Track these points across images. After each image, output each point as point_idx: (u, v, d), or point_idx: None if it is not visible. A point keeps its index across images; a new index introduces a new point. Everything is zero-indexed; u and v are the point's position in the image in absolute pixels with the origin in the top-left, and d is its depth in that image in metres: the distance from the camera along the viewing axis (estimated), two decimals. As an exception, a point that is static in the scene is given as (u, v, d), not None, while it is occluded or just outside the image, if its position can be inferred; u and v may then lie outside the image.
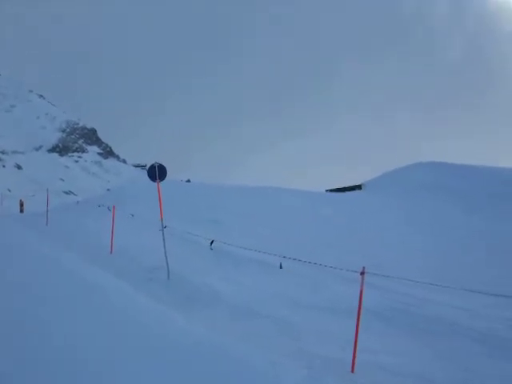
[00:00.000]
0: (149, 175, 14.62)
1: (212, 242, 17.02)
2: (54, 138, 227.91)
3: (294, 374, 6.69)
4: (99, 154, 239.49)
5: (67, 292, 9.12)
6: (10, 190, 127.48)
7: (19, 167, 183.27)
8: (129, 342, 6.73)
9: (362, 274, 8.43)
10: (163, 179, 14.65)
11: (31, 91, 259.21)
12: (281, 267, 15.45)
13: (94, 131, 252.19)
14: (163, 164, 14.62)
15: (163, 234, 14.40)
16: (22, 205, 46.50)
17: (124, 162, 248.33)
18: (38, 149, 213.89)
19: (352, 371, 8.22)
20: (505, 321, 12.05)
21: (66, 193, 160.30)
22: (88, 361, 5.99)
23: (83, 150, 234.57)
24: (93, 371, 5.75)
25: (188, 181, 63.77)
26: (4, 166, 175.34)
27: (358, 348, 8.32)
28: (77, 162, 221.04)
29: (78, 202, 41.61)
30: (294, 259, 13.67)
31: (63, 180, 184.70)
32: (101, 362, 6.01)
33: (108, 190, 66.00)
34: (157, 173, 14.48)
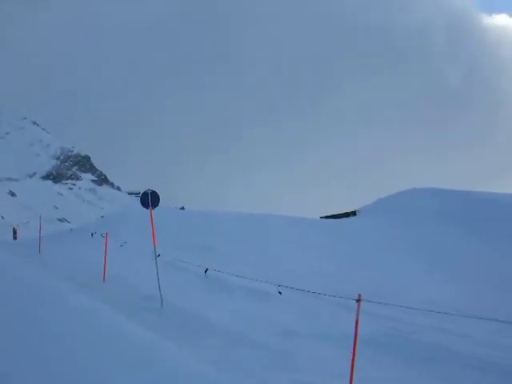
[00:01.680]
0: (141, 202, 14.52)
1: (206, 270, 16.89)
2: (48, 165, 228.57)
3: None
4: (93, 181, 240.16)
5: (54, 323, 8.95)
6: (3, 217, 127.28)
7: (13, 194, 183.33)
8: (117, 372, 6.56)
9: (358, 301, 8.30)
10: (156, 206, 14.55)
11: (25, 118, 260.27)
12: (280, 293, 15.34)
13: (87, 158, 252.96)
14: (156, 191, 14.52)
15: (156, 262, 14.27)
16: (15, 232, 46.66)
17: (118, 189, 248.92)
18: (31, 176, 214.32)
19: (348, 401, 8.07)
20: (504, 348, 11.92)
21: (60, 220, 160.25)
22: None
23: (77, 178, 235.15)
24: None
25: (182, 208, 63.75)
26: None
27: (354, 377, 8.17)
28: (71, 189, 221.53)
29: (71, 229, 41.40)
30: (289, 287, 13.54)
31: (57, 207, 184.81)
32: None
33: (102, 217, 65.70)
34: (149, 200, 14.37)
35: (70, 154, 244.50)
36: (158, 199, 14.55)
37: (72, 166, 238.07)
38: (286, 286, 13.65)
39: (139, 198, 14.94)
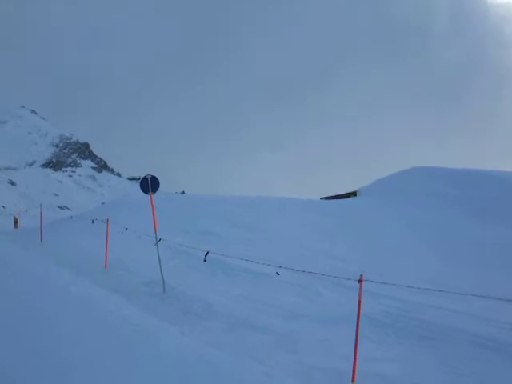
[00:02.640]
0: (141, 187, 14.48)
1: (207, 253, 16.89)
2: (47, 153, 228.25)
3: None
4: (93, 168, 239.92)
5: (58, 308, 8.97)
6: (4, 207, 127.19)
7: (13, 183, 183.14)
8: (122, 357, 6.58)
9: (360, 281, 8.29)
10: (156, 191, 14.51)
11: (23, 106, 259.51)
12: (278, 274, 15.31)
13: (87, 145, 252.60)
14: (156, 176, 14.47)
15: (157, 247, 14.27)
16: (16, 221, 46.94)
17: (118, 175, 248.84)
18: (31, 164, 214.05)
19: (353, 381, 8.07)
20: (504, 324, 11.94)
21: (61, 208, 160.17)
22: (79, 373, 5.82)
23: (77, 165, 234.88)
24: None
25: (183, 192, 63.81)
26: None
27: (357, 357, 8.18)
28: (70, 176, 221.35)
29: (71, 216, 41.39)
30: (291, 269, 13.55)
31: (57, 195, 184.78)
32: (93, 375, 5.85)
33: (102, 203, 65.70)
34: (149, 185, 14.33)
35: (68, 141, 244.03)
36: (158, 184, 14.51)
37: (71, 154, 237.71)
38: (286, 267, 13.65)
39: (139, 183, 14.91)
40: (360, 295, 8.28)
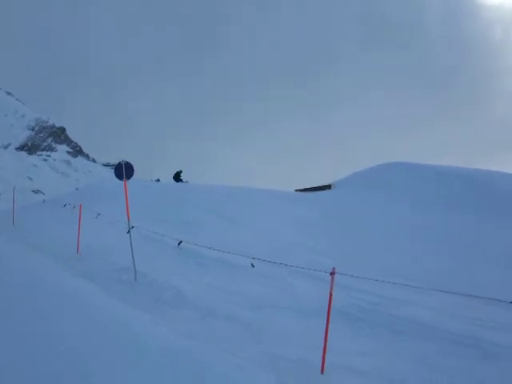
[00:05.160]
0: (116, 174, 14.33)
1: (180, 242, 16.78)
2: (23, 136, 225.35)
3: (262, 378, 6.54)
4: (68, 152, 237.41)
5: (29, 294, 8.84)
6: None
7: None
8: (93, 343, 6.50)
9: (332, 274, 8.30)
10: (130, 178, 14.36)
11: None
12: (253, 266, 15.29)
13: (63, 130, 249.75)
14: (130, 162, 14.33)
15: (130, 234, 14.16)
16: (-12, 204, 46.26)
17: (93, 161, 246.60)
18: (5, 147, 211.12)
19: (322, 373, 8.09)
20: (474, 320, 12.06)
21: (34, 192, 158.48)
22: (50, 363, 5.73)
23: (52, 149, 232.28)
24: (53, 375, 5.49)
25: (158, 180, 63.37)
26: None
27: (327, 349, 8.20)
28: (45, 160, 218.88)
29: (44, 200, 40.96)
30: (264, 260, 13.52)
31: (31, 179, 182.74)
32: (63, 365, 5.76)
33: (77, 189, 65.07)
34: (124, 171, 14.19)
35: (45, 124, 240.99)
36: (133, 171, 14.36)
37: (47, 138, 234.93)
38: (259, 259, 13.62)
39: (113, 169, 14.76)
40: (331, 288, 8.29)
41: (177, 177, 43.67)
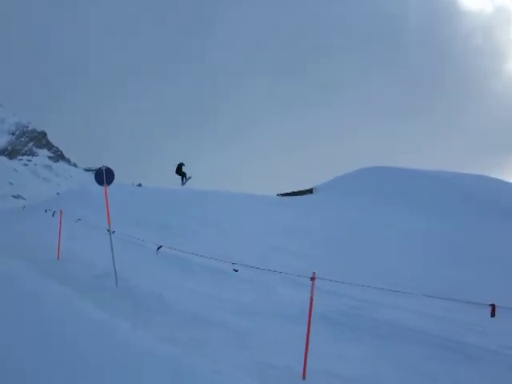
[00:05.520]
0: (96, 179, 14.26)
1: (159, 247, 16.68)
2: (3, 140, 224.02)
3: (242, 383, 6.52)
4: (49, 157, 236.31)
5: (6, 302, 8.77)
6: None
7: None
8: (69, 352, 6.44)
9: (313, 279, 8.29)
10: (111, 183, 14.29)
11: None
12: (236, 271, 15.25)
13: (44, 134, 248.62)
14: (111, 168, 14.27)
15: (111, 239, 14.06)
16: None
17: (75, 165, 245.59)
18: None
19: (303, 379, 8.08)
20: (457, 324, 12.13)
21: (15, 197, 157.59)
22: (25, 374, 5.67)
23: (33, 154, 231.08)
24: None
25: (139, 185, 63.12)
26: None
27: (309, 355, 8.18)
28: (26, 165, 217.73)
29: (24, 206, 40.70)
30: (246, 265, 13.51)
31: (12, 184, 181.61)
32: (40, 373, 5.70)
33: (58, 193, 64.74)
34: (104, 177, 14.12)
35: (25, 129, 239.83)
36: (113, 176, 14.29)
37: (28, 142, 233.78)
38: (242, 264, 13.61)
39: (94, 174, 14.67)
40: (312, 293, 8.29)
41: (179, 170, 38.54)
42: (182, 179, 38.61)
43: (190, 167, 39.93)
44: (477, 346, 10.39)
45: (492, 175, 42.10)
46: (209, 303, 12.57)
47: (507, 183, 38.44)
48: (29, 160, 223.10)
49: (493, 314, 7.64)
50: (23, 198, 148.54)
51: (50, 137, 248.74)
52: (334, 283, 10.49)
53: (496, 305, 7.93)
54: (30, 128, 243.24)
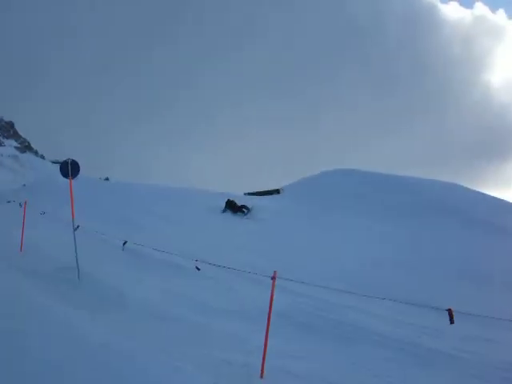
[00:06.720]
0: (61, 171, 14.12)
1: (125, 243, 16.61)
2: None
3: (199, 380, 6.54)
4: (16, 148, 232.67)
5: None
6: None
7: None
8: (30, 342, 6.40)
9: (273, 278, 8.35)
10: (76, 176, 14.17)
11: None
12: (198, 269, 15.24)
13: (11, 124, 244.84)
14: (76, 160, 14.15)
15: (74, 233, 13.96)
16: None
17: (42, 157, 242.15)
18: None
19: (261, 377, 8.13)
20: (415, 327, 12.34)
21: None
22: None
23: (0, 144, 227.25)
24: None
25: (107, 179, 62.62)
26: None
27: (267, 353, 8.24)
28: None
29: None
30: (208, 263, 13.51)
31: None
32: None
33: (24, 185, 63.89)
34: (69, 169, 13.99)
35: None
36: (79, 169, 14.17)
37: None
38: (204, 262, 13.62)
39: (59, 167, 14.52)
40: (272, 292, 8.35)
41: None
42: None
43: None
44: (432, 350, 10.60)
45: (465, 183, 42.98)
46: (169, 299, 12.59)
47: (474, 191, 39.20)
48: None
49: (452, 322, 7.74)
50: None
51: (17, 127, 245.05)
52: (295, 283, 10.60)
53: (452, 309, 8.07)
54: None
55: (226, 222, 28.57)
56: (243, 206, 33.79)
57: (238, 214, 33.52)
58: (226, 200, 34.33)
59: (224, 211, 33.56)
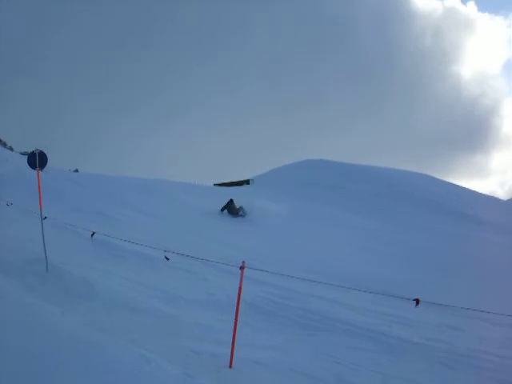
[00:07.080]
0: (28, 163, 13.97)
1: (93, 233, 16.49)
2: None
3: (168, 371, 6.55)
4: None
5: None
6: None
7: None
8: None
9: (242, 268, 8.38)
10: (44, 167, 14.04)
11: None
12: (167, 259, 15.21)
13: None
14: (44, 151, 14.00)
15: (42, 224, 13.83)
16: None
17: (11, 149, 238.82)
18: None
19: (230, 367, 8.17)
20: (382, 316, 12.49)
21: None
22: None
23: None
24: None
25: (76, 170, 62.09)
26: None
27: (236, 343, 8.28)
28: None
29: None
30: (178, 253, 13.50)
31: None
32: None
33: (-10, 177, 63.00)
34: (37, 160, 13.85)
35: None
36: (46, 160, 14.03)
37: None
38: (174, 252, 13.60)
39: (26, 158, 14.38)
40: (241, 281, 8.38)
41: None
42: None
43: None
44: (401, 338, 10.73)
45: (433, 174, 43.38)
46: (139, 290, 12.54)
47: (442, 182, 39.66)
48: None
49: (417, 304, 7.96)
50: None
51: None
52: (263, 273, 10.65)
53: (420, 299, 8.22)
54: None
55: (197, 214, 28.53)
56: (239, 209, 31.82)
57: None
58: (228, 200, 31.94)
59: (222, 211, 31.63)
